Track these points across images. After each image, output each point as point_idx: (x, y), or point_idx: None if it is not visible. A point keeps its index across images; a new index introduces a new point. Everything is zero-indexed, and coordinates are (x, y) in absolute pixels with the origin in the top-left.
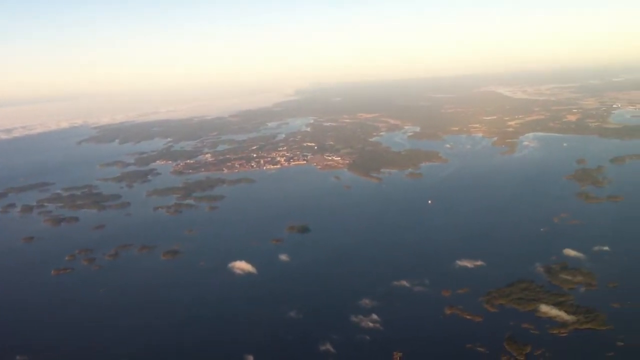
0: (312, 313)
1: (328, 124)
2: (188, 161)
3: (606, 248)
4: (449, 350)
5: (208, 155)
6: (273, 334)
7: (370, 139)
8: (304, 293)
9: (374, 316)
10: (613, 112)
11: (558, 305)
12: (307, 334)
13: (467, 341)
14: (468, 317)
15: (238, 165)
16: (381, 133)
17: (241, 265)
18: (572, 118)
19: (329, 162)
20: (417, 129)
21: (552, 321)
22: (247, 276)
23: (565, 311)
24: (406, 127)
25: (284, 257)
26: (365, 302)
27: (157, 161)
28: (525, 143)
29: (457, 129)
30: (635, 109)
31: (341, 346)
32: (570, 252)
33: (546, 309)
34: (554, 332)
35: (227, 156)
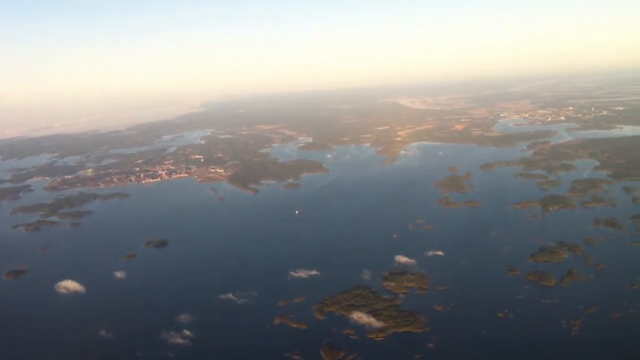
0: (122, 331)
1: (224, 136)
2: (66, 177)
3: (440, 253)
4: None
5: (89, 170)
6: (74, 354)
7: (260, 151)
8: (123, 311)
9: (186, 332)
10: (499, 121)
11: (386, 309)
12: (110, 353)
13: (287, 350)
14: (295, 325)
15: (116, 180)
16: (274, 144)
17: (67, 284)
18: (459, 127)
19: (210, 175)
20: (310, 140)
21: (371, 326)
22: (70, 295)
23: (387, 315)
24: (300, 138)
25: (119, 274)
26: (183, 317)
27: (35, 177)
28: (403, 152)
29: (348, 139)
30: (520, 117)
31: None
32: (402, 258)
33: (359, 315)
34: (372, 336)
35: (109, 171)
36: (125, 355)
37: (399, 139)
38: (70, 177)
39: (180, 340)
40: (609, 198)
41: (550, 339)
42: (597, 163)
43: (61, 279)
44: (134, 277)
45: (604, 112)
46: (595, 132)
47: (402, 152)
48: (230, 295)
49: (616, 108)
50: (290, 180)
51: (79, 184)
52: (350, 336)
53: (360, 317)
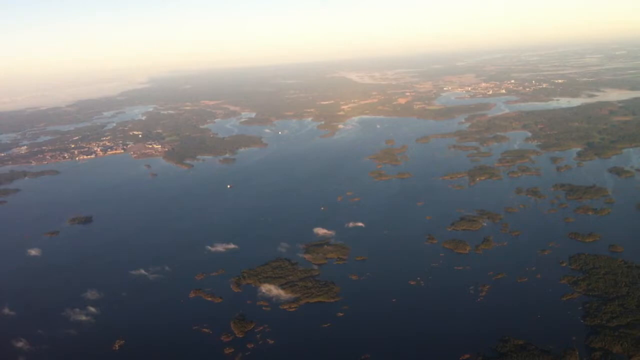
0: (26, 309)
1: (166, 112)
2: None
3: (361, 224)
4: (173, 334)
5: (23, 148)
6: None
7: (201, 126)
8: (30, 288)
9: (91, 309)
10: (442, 94)
11: (302, 280)
12: (11, 330)
13: (197, 323)
14: (209, 299)
15: (49, 157)
16: (215, 120)
17: None
18: (402, 101)
19: (147, 151)
20: (253, 115)
21: (283, 298)
22: None
23: (302, 286)
24: (243, 114)
25: (34, 251)
26: (90, 294)
27: None
28: (341, 126)
29: (291, 113)
30: (462, 91)
31: (40, 341)
32: (321, 230)
33: (268, 288)
34: (285, 307)
35: (43, 148)
36: (26, 333)
37: (341, 113)
38: (2, 154)
39: (83, 317)
40: (535, 168)
41: (457, 305)
42: (529, 134)
43: None
44: (50, 254)
45: (544, 85)
46: (533, 104)
47: (341, 126)
48: (142, 271)
49: (556, 81)
50: (227, 155)
51: (10, 162)
52: (263, 307)
53: (269, 289)
